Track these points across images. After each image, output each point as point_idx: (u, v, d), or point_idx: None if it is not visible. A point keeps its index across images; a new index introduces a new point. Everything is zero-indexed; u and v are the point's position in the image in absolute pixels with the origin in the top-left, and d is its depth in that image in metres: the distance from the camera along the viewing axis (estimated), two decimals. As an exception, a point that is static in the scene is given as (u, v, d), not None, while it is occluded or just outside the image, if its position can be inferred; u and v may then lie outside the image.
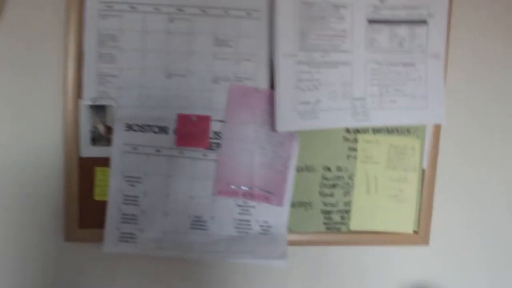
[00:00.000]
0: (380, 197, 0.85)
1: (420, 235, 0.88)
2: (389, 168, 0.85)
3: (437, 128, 0.86)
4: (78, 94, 0.78)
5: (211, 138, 0.80)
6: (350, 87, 0.81)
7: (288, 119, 0.78)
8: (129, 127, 0.79)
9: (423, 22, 0.81)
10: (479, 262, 0.93)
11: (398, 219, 0.86)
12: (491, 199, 0.92)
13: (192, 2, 0.77)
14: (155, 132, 0.80)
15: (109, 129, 0.79)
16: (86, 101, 0.78)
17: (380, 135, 0.84)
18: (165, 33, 0.78)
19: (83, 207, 0.80)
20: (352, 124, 0.82)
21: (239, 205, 0.82)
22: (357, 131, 0.83)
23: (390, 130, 0.84)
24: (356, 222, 0.86)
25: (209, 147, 0.80)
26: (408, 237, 0.87)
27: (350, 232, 0.86)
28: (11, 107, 0.79)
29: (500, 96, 0.90)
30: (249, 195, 0.82)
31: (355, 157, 0.84)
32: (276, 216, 0.83)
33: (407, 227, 0.86)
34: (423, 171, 0.86)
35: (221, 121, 0.80)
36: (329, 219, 0.85)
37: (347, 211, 0.85)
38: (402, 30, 0.81)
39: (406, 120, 0.83)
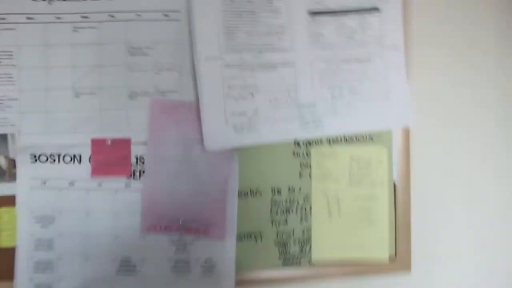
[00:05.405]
0: (345, 220, 0.71)
1: (399, 261, 0.73)
2: (353, 185, 0.71)
3: (406, 133, 0.72)
4: (-25, 124, 0.66)
5: (133, 164, 0.67)
6: (294, 91, 0.68)
7: (220, 135, 0.65)
8: (36, 158, 0.67)
9: (375, 9, 0.68)
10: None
11: (369, 244, 0.71)
12: (480, 211, 0.77)
13: (98, 7, 0.66)
14: (66, 162, 0.67)
15: (12, 162, 0.67)
16: (-18, 131, 0.66)
17: (338, 146, 0.70)
18: (70, 46, 0.66)
19: (-16, 258, 0.67)
20: (301, 135, 0.69)
21: (173, 242, 0.69)
22: (309, 143, 0.70)
23: (349, 140, 0.71)
24: (319, 253, 0.71)
25: (132, 175, 0.68)
26: (384, 266, 0.72)
27: (312, 265, 0.71)
28: None
29: (473, 88, 0.76)
30: (184, 229, 0.68)
31: (309, 175, 0.70)
32: (219, 251, 0.69)
33: (382, 253, 0.72)
34: (394, 186, 0.72)
35: (143, 143, 0.67)
36: (285, 251, 0.71)
37: (307, 240, 0.71)
38: (351, 21, 0.68)
39: (367, 126, 0.70)
